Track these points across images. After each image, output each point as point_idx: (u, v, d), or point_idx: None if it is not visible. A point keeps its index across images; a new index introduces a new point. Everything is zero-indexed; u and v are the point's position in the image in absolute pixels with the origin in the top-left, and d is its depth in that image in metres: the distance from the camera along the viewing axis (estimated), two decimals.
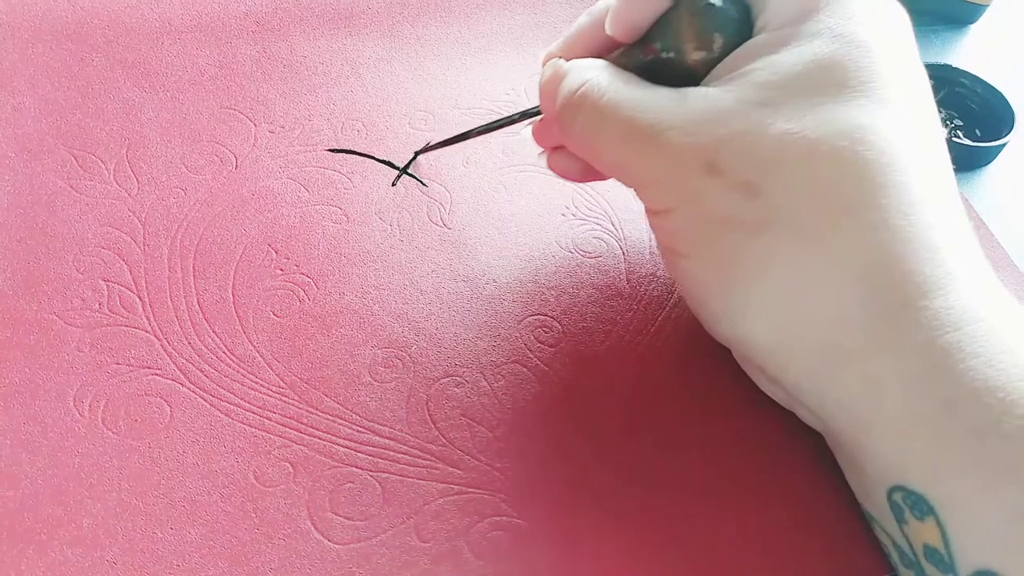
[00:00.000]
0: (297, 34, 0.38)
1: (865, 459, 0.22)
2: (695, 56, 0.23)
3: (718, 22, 0.23)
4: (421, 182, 0.33)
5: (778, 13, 0.23)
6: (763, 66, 0.22)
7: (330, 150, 0.34)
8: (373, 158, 0.34)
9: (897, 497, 0.21)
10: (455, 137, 0.31)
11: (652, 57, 0.24)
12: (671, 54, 0.23)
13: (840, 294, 0.21)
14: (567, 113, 0.24)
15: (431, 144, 0.33)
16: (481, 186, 0.33)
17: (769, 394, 0.25)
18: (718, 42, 0.23)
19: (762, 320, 0.22)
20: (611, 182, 0.33)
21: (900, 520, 0.21)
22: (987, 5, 0.45)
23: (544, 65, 0.27)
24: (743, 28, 0.23)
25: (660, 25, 0.24)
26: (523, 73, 0.38)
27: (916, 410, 0.20)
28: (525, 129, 0.29)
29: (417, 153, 0.33)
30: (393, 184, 0.33)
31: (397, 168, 0.34)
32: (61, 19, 0.37)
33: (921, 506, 0.20)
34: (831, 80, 0.21)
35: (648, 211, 0.24)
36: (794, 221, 0.21)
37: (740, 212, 0.21)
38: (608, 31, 0.25)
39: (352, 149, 0.34)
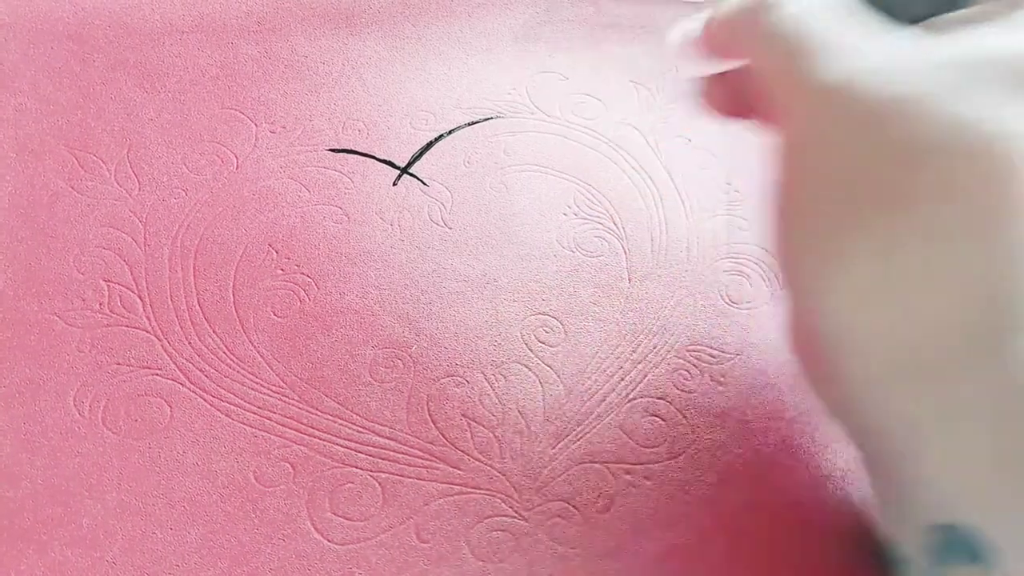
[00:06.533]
0: (298, 34, 0.38)
1: (913, 487, 0.20)
2: None
3: None
4: (422, 182, 0.33)
5: None
6: (972, 39, 0.19)
7: (331, 150, 0.34)
8: (374, 158, 0.34)
9: (940, 536, 0.19)
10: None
11: None
12: None
13: (946, 301, 0.19)
14: (745, 11, 0.22)
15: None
16: (482, 186, 0.33)
17: (816, 395, 0.22)
18: None
19: (849, 301, 0.20)
20: (611, 184, 0.33)
21: (941, 563, 0.19)
22: None
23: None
24: None
25: None
26: (525, 72, 0.38)
27: (995, 450, 0.18)
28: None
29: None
30: (394, 184, 0.33)
31: (398, 168, 0.33)
32: (63, 19, 0.37)
33: (970, 550, 0.18)
34: None
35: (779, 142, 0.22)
36: (929, 210, 0.19)
37: (877, 180, 0.19)
38: None
39: (353, 149, 0.34)
